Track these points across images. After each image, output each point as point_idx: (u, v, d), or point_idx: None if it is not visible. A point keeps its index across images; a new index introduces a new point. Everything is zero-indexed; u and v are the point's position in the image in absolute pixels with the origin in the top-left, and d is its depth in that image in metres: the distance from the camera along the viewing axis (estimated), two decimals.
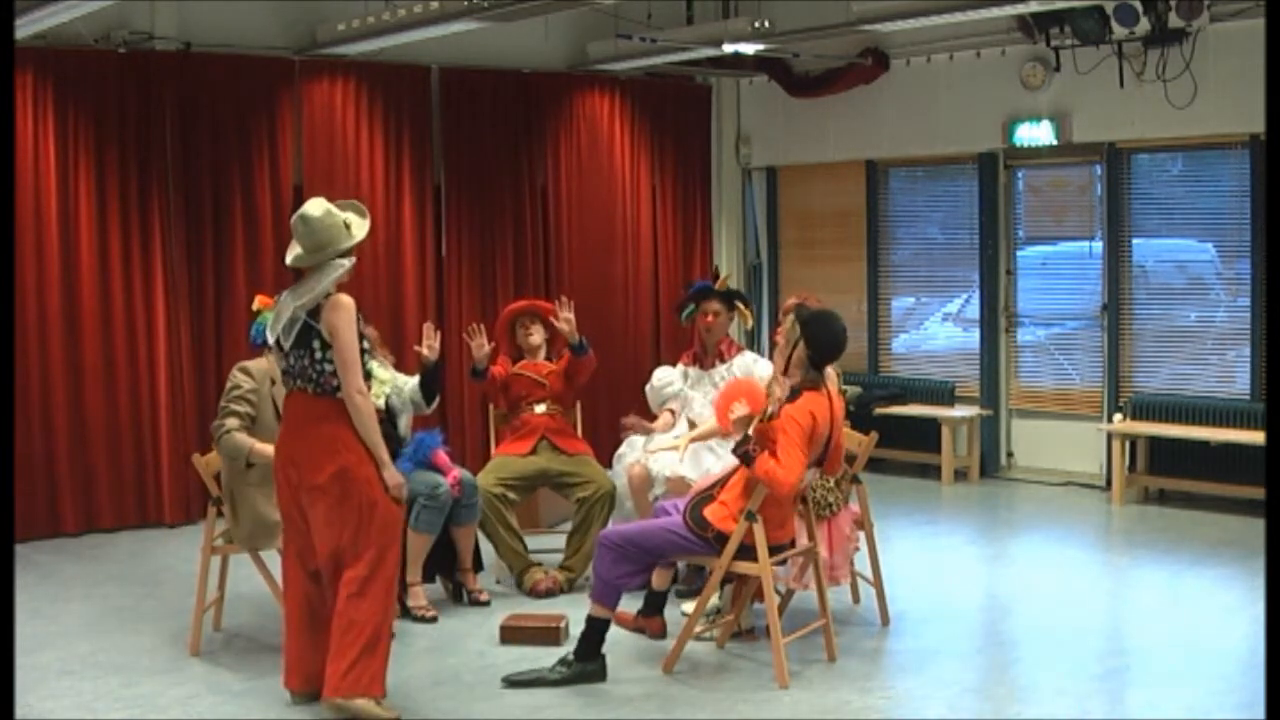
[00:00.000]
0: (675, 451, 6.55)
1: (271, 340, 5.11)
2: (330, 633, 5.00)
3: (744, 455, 5.32)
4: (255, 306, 5.68)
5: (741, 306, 7.06)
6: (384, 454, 5.03)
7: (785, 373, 5.56)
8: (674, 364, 7.23)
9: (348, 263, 5.07)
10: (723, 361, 6.91)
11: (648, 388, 7.12)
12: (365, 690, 4.95)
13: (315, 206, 5.10)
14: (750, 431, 5.34)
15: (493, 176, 9.82)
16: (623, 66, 10.03)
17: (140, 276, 8.43)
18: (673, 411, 6.98)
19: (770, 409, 5.42)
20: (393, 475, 5.05)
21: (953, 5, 7.87)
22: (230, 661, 5.77)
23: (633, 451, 6.86)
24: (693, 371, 7.02)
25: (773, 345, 5.85)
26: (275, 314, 5.08)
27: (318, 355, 4.98)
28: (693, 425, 6.75)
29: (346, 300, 4.99)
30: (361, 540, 4.96)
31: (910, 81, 10.19)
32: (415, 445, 6.38)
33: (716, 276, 7.31)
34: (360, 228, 5.16)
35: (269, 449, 5.63)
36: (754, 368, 6.80)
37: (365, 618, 4.95)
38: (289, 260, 5.18)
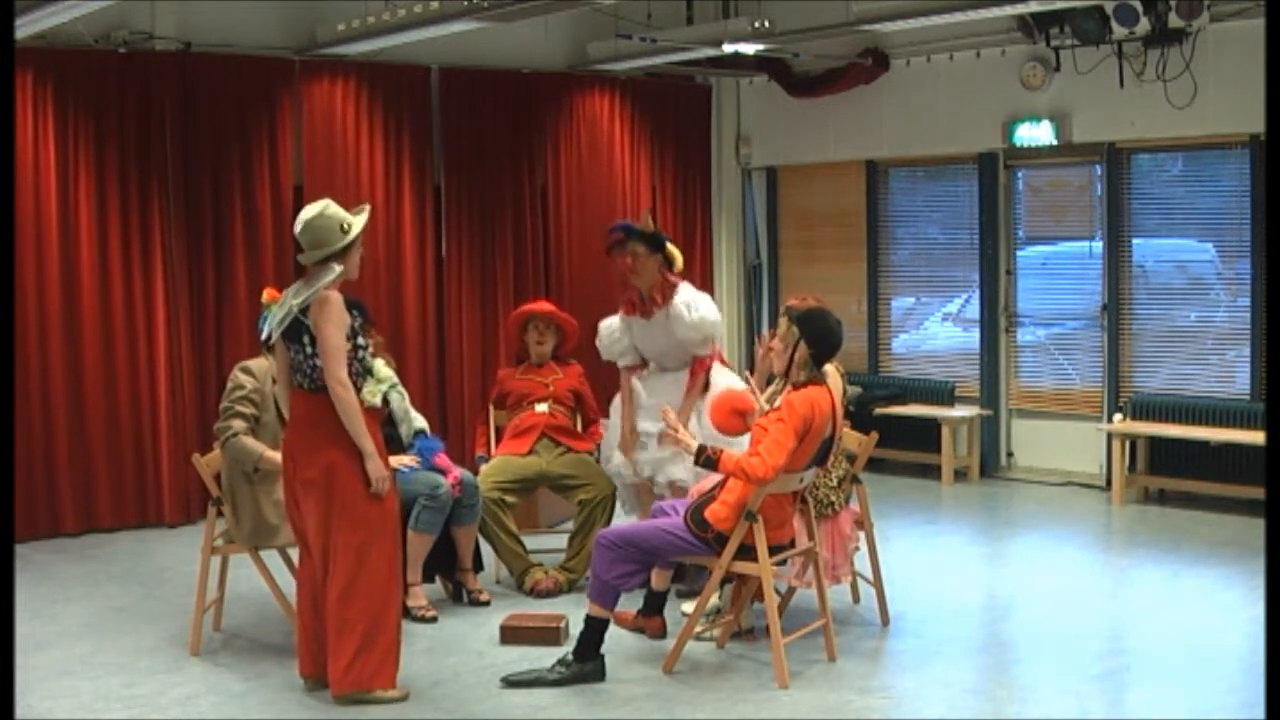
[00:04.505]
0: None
1: (265, 334, 5.25)
2: (325, 623, 5.15)
3: (706, 461, 5.37)
4: (264, 300, 5.52)
5: (670, 248, 6.69)
6: (368, 445, 5.07)
7: (787, 374, 5.57)
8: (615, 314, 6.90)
9: (339, 268, 5.10)
10: (661, 306, 6.58)
11: (597, 342, 6.89)
12: (368, 685, 5.11)
13: (311, 208, 5.20)
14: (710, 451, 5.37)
15: (493, 176, 9.81)
16: (623, 66, 10.02)
17: (140, 276, 8.43)
18: (635, 366, 6.80)
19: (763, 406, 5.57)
20: (377, 468, 5.09)
21: (953, 5, 7.87)
22: (230, 661, 5.77)
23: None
24: (636, 321, 6.72)
25: (768, 350, 5.83)
26: (277, 308, 5.18)
27: (308, 350, 5.07)
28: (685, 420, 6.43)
29: (333, 296, 5.04)
30: (341, 538, 5.05)
31: (910, 81, 10.19)
32: (416, 450, 6.37)
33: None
34: (358, 223, 5.19)
35: (279, 456, 5.64)
36: (691, 311, 6.50)
37: (355, 617, 5.08)
38: (301, 259, 5.28)
